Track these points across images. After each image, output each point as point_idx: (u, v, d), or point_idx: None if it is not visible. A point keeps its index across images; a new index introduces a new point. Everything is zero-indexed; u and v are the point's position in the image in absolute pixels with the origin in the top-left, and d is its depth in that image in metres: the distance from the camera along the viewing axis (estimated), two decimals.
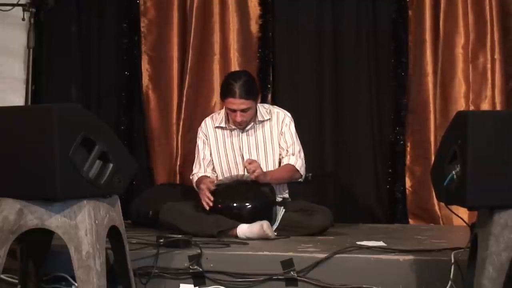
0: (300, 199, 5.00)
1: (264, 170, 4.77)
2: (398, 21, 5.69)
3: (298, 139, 4.91)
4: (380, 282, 3.90)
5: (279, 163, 4.89)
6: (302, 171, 4.88)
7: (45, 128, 3.35)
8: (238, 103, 4.71)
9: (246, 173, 4.83)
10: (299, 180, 4.94)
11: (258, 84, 5.08)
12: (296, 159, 4.85)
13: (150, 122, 5.88)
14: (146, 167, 5.83)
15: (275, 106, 5.05)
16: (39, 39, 5.42)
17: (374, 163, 5.73)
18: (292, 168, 4.85)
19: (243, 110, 4.74)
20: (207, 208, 4.61)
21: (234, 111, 4.75)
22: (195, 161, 5.00)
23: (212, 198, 4.61)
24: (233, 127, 4.88)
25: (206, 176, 4.86)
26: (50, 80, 5.77)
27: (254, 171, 4.62)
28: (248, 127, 4.87)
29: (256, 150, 4.86)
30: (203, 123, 4.99)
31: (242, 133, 4.89)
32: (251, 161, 4.69)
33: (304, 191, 5.25)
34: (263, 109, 4.92)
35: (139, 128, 5.90)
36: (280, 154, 4.89)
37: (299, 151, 4.88)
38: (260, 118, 4.88)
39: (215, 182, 4.79)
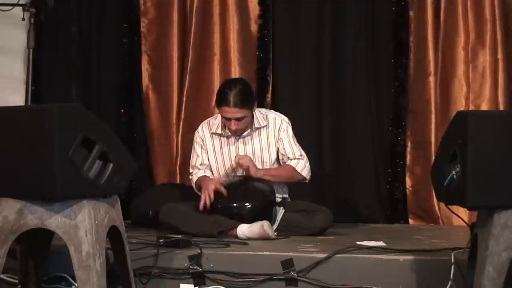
0: (300, 199, 5.00)
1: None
2: (398, 21, 5.69)
3: (297, 143, 4.89)
4: (380, 282, 3.90)
5: None
6: (305, 173, 4.86)
7: (45, 128, 3.35)
8: (232, 111, 4.70)
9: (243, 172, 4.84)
10: (304, 182, 4.92)
11: (254, 92, 5.09)
12: (298, 162, 4.84)
13: (150, 122, 5.88)
14: (146, 167, 5.84)
15: (272, 111, 5.03)
16: (39, 39, 5.42)
17: (374, 163, 5.73)
18: (290, 168, 4.84)
19: (238, 119, 4.72)
20: (201, 207, 4.61)
21: (229, 119, 4.73)
22: (191, 162, 4.99)
23: (211, 200, 4.62)
24: (229, 134, 4.87)
25: (206, 176, 4.86)
26: (50, 80, 5.77)
27: (243, 163, 4.63)
28: (245, 134, 4.85)
29: (252, 158, 4.83)
30: (199, 128, 4.98)
31: (238, 140, 4.87)
32: (242, 156, 4.69)
33: (304, 191, 5.25)
34: (260, 115, 4.89)
35: (139, 128, 5.90)
36: (281, 160, 4.88)
37: (300, 155, 4.86)
38: (256, 125, 4.86)
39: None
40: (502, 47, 5.56)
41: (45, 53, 5.73)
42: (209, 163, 4.91)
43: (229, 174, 4.88)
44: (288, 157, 4.85)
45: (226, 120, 4.76)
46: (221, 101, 4.71)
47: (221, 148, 4.89)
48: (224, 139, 4.90)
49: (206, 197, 4.63)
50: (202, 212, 4.64)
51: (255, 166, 4.72)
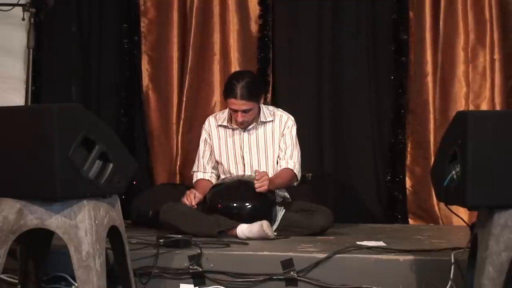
0: (300, 199, 5.00)
1: (263, 169, 4.79)
2: (398, 21, 5.69)
3: (298, 144, 4.89)
4: (380, 282, 3.90)
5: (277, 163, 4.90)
6: (299, 176, 4.89)
7: (45, 128, 3.35)
8: (239, 103, 4.72)
9: (246, 173, 4.84)
10: (294, 184, 4.93)
11: (262, 85, 5.07)
12: (294, 164, 4.84)
13: (150, 122, 5.88)
14: (146, 167, 5.84)
15: (279, 109, 5.02)
16: (39, 39, 5.43)
17: (374, 163, 5.73)
18: (292, 173, 4.83)
19: (244, 111, 4.75)
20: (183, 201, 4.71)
21: (236, 111, 4.76)
22: (196, 157, 5.03)
23: (193, 203, 4.68)
24: (235, 126, 4.89)
25: (204, 180, 4.92)
26: (50, 80, 5.77)
27: (260, 187, 4.61)
28: (250, 127, 4.88)
29: (256, 150, 4.87)
30: (206, 121, 5.00)
31: (243, 132, 4.89)
32: (261, 175, 4.64)
33: (304, 191, 5.25)
34: (267, 111, 4.92)
35: (139, 128, 5.91)
36: (278, 156, 4.89)
37: (298, 156, 4.87)
38: (263, 119, 4.88)
39: (215, 182, 4.85)
40: (499, 47, 5.56)
41: (45, 53, 5.73)
42: (213, 156, 4.93)
43: (231, 172, 4.88)
44: (285, 153, 4.85)
45: (233, 112, 4.79)
46: (228, 93, 4.74)
47: (227, 139, 4.91)
48: (229, 131, 4.92)
49: (186, 199, 4.71)
50: (202, 212, 4.65)
51: (270, 184, 4.68)
